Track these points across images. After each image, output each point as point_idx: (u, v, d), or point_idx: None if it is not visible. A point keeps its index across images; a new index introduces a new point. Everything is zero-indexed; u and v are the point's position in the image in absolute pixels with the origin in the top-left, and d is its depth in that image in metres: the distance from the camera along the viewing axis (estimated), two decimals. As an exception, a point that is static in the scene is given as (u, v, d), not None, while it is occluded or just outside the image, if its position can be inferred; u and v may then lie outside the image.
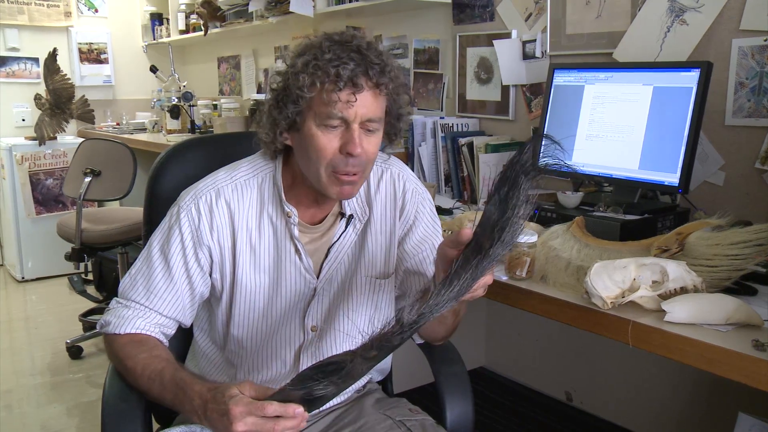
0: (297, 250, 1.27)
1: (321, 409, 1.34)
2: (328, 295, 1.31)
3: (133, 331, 1.21)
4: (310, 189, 1.24)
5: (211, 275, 1.27)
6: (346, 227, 1.30)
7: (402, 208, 1.33)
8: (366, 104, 1.14)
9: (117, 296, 1.27)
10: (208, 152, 1.50)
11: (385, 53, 1.19)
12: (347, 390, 1.38)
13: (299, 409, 0.97)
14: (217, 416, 1.00)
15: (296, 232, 1.26)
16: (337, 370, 0.95)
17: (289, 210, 1.25)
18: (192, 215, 1.24)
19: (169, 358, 1.18)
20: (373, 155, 1.20)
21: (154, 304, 1.23)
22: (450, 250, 1.04)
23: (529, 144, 1.00)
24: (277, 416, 0.97)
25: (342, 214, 1.30)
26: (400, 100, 1.23)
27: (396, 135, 1.27)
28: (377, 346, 0.94)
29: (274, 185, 1.26)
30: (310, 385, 0.95)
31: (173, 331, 1.28)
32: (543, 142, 1.02)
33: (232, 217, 1.25)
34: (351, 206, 1.30)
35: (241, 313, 1.29)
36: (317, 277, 1.29)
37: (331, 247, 1.29)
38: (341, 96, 1.12)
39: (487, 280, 1.04)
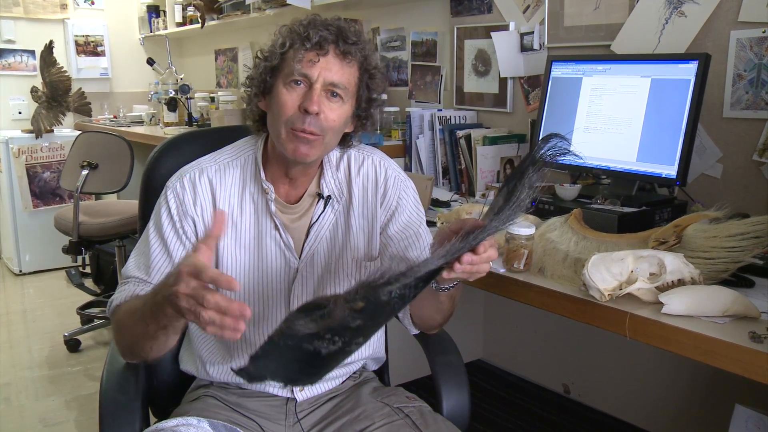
0: (276, 226, 1.30)
1: (318, 390, 1.35)
2: (312, 277, 1.33)
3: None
4: (280, 164, 1.29)
5: None
6: (324, 208, 1.32)
7: (384, 194, 1.35)
8: (330, 68, 1.20)
9: (121, 280, 1.30)
10: (203, 145, 1.49)
11: (369, 42, 1.26)
12: (341, 375, 1.39)
13: (234, 284, 0.92)
14: (167, 283, 0.98)
15: (273, 207, 1.29)
16: (317, 309, 0.93)
17: (266, 187, 1.29)
18: (177, 191, 1.29)
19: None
20: (334, 123, 1.23)
21: (152, 278, 1.26)
22: (452, 234, 1.06)
23: (539, 144, 1.04)
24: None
25: (320, 195, 1.32)
26: (374, 83, 1.28)
27: (367, 119, 1.31)
28: (362, 295, 0.92)
29: (255, 164, 1.31)
30: (293, 321, 0.93)
31: None
32: (556, 142, 1.04)
33: (214, 193, 1.29)
34: (328, 187, 1.33)
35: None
36: (299, 258, 1.31)
37: (311, 228, 1.32)
38: (306, 55, 1.19)
39: (490, 254, 1.05)
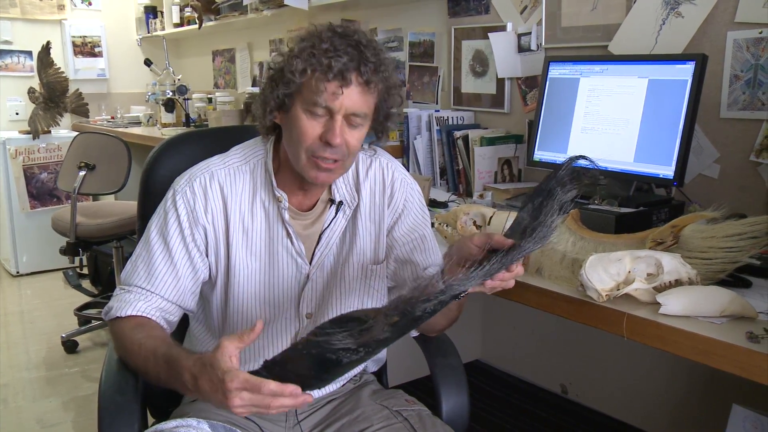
0: (288, 234, 1.29)
1: (318, 393, 1.35)
2: (321, 282, 1.33)
3: (134, 314, 1.22)
4: (295, 174, 1.26)
5: (207, 256, 1.28)
6: (336, 214, 1.31)
7: (391, 197, 1.35)
8: (352, 98, 1.17)
9: (120, 284, 1.28)
10: (201, 146, 1.49)
11: (383, 52, 1.21)
12: (343, 378, 1.39)
13: (297, 389, 0.96)
14: (210, 389, 1.00)
15: (287, 216, 1.28)
16: (357, 324, 0.93)
17: (279, 195, 1.27)
18: (187, 197, 1.25)
19: (165, 337, 1.19)
20: (355, 148, 1.22)
21: (155, 287, 1.24)
22: (475, 248, 1.08)
23: (567, 164, 1.05)
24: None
25: (332, 201, 1.32)
26: (392, 99, 1.25)
27: (383, 132, 1.30)
28: (401, 311, 0.93)
29: (266, 171, 1.29)
30: (329, 334, 0.93)
31: (176, 319, 1.28)
32: (583, 164, 1.07)
33: (225, 200, 1.27)
34: (340, 193, 1.32)
35: (237, 298, 1.30)
36: (310, 264, 1.31)
37: (322, 234, 1.31)
38: (329, 87, 1.15)
39: (519, 271, 1.08)
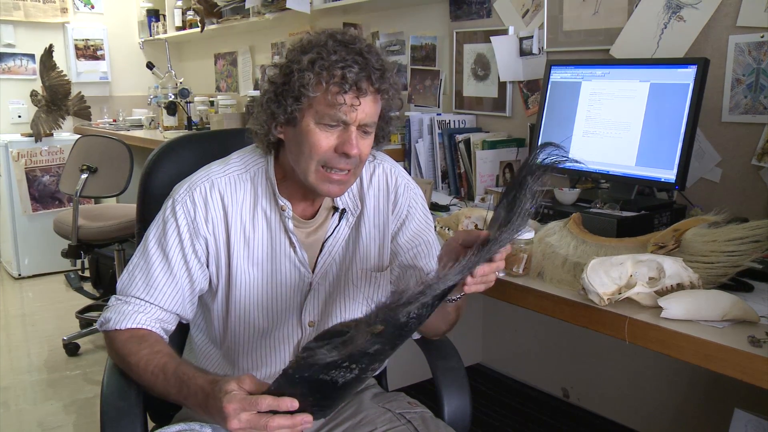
0: (291, 243, 1.28)
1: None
2: (324, 290, 1.32)
3: (133, 326, 1.21)
4: (298, 184, 1.25)
5: (208, 267, 1.28)
6: (339, 222, 1.31)
7: (395, 202, 1.35)
8: (366, 109, 1.16)
9: (115, 293, 1.26)
10: (201, 149, 1.49)
11: (384, 58, 1.20)
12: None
13: (294, 402, 0.96)
14: (215, 412, 1.01)
15: (291, 225, 1.27)
16: (336, 336, 0.92)
17: (283, 204, 1.26)
18: (188, 207, 1.24)
19: (170, 353, 1.18)
20: (366, 156, 1.22)
21: (154, 298, 1.23)
22: (458, 247, 1.07)
23: (535, 153, 1.05)
24: (272, 411, 0.97)
25: (335, 209, 1.31)
26: (393, 103, 1.25)
27: (384, 137, 1.29)
28: (382, 318, 0.91)
29: (267, 180, 1.27)
30: (313, 349, 0.91)
31: (173, 327, 1.28)
32: (551, 150, 1.06)
33: (225, 209, 1.25)
34: (343, 201, 1.31)
35: (238, 307, 1.29)
36: (312, 272, 1.30)
37: (325, 242, 1.31)
38: (346, 99, 1.13)
39: (499, 265, 1.07)
